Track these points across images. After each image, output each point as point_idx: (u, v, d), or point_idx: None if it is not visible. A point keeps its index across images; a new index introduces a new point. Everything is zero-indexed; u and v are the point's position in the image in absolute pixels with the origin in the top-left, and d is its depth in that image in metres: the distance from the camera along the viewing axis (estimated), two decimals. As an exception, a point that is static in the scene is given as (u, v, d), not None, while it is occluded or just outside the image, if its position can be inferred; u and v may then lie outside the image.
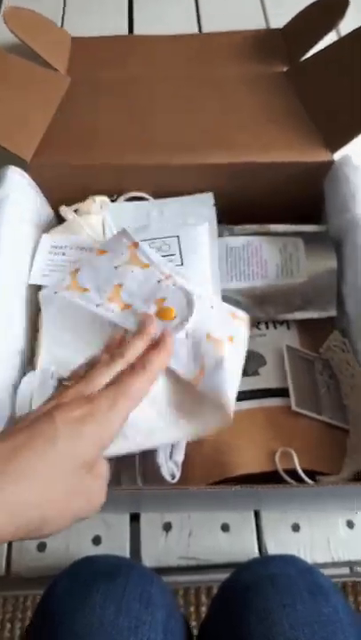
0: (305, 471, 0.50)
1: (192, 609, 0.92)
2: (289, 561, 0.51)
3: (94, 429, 0.37)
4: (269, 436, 0.53)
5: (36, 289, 0.59)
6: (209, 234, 0.62)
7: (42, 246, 0.61)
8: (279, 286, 0.60)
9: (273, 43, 0.82)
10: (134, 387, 0.41)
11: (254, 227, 0.63)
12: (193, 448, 0.52)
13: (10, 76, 0.69)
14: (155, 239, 0.60)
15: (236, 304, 0.57)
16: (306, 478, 0.50)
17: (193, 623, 0.90)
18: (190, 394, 0.49)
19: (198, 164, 0.63)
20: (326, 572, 0.53)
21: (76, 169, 0.64)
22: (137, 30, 0.94)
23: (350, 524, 0.57)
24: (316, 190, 0.65)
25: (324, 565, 0.56)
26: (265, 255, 0.61)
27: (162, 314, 0.50)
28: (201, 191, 0.65)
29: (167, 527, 0.57)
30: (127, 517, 0.58)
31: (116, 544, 0.57)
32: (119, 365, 0.43)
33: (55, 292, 0.53)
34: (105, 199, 0.65)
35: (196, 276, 0.57)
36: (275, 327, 0.62)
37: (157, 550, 0.56)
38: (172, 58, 0.79)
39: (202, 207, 0.65)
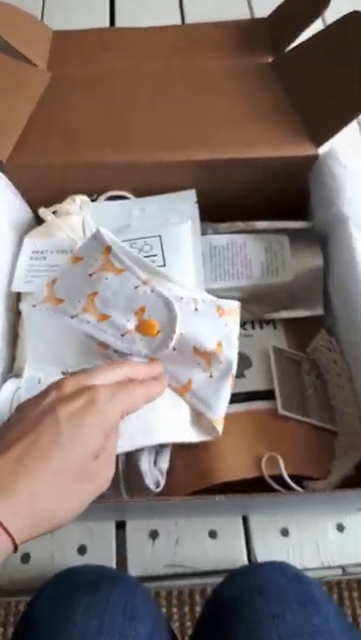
0: (293, 476, 0.49)
1: (186, 609, 0.91)
2: (278, 568, 0.50)
3: (96, 419, 0.36)
4: (255, 440, 0.52)
5: (16, 293, 0.58)
6: (192, 232, 0.60)
7: (23, 252, 0.60)
8: (265, 285, 0.58)
9: (258, 33, 0.80)
10: (134, 389, 0.40)
11: (239, 224, 0.62)
12: (178, 454, 0.51)
13: (-14, 72, 0.68)
14: (136, 239, 0.59)
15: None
16: (293, 485, 0.48)
17: (188, 624, 0.89)
18: (179, 398, 0.48)
19: (180, 160, 0.61)
20: (317, 573, 0.52)
21: (54, 168, 0.62)
22: (119, 22, 0.92)
23: (340, 528, 0.56)
24: (301, 185, 0.64)
25: (315, 569, 0.55)
26: (249, 254, 0.59)
27: (144, 329, 0.47)
28: (183, 188, 0.64)
29: (154, 535, 0.56)
30: (113, 525, 0.57)
31: (102, 553, 0.55)
32: (119, 370, 0.42)
33: (33, 306, 0.51)
34: (85, 198, 0.64)
35: (180, 276, 0.55)
36: (261, 327, 0.60)
37: (144, 559, 0.55)
38: (154, 51, 0.77)
39: (184, 205, 0.63)
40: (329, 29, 0.67)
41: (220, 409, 0.48)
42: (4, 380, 0.54)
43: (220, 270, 0.59)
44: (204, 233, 0.61)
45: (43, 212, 0.62)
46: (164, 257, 0.57)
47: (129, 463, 0.49)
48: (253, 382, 0.56)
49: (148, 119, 0.65)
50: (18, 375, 0.54)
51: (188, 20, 0.91)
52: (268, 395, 0.54)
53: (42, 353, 0.52)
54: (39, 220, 0.64)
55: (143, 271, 0.49)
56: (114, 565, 0.55)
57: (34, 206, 0.65)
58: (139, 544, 0.56)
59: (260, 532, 0.56)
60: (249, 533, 0.56)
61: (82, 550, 0.56)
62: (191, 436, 0.48)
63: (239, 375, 0.56)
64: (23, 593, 0.54)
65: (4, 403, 0.51)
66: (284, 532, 0.56)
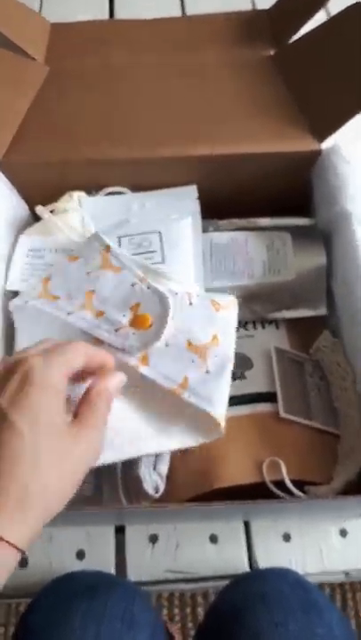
0: (295, 481, 0.48)
1: (188, 610, 0.91)
2: (282, 575, 0.49)
3: (38, 391, 0.33)
4: (257, 444, 0.51)
5: (12, 294, 0.57)
6: (192, 228, 0.59)
7: (19, 250, 0.59)
8: (266, 284, 0.57)
9: (259, 25, 0.78)
10: (67, 346, 0.37)
11: (240, 221, 0.60)
12: (178, 458, 0.50)
13: (-18, 66, 0.66)
14: (134, 235, 0.57)
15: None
16: (295, 490, 0.47)
17: (189, 625, 0.89)
18: (176, 403, 0.46)
19: (181, 156, 0.60)
20: (320, 578, 0.51)
21: (52, 165, 0.61)
22: (118, 14, 0.90)
23: (343, 533, 0.55)
24: (303, 181, 0.62)
25: (318, 574, 0.54)
26: (251, 252, 0.58)
27: (137, 322, 0.47)
28: (183, 185, 0.62)
29: (153, 539, 0.55)
30: (112, 529, 0.56)
31: (101, 558, 0.55)
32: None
33: (26, 302, 0.50)
34: (83, 195, 0.62)
35: (178, 273, 0.54)
36: (263, 327, 0.59)
37: (143, 564, 0.54)
38: (154, 44, 0.75)
39: (185, 200, 0.62)
40: (332, 21, 0.66)
41: (221, 404, 0.46)
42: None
43: (220, 269, 0.58)
44: (204, 230, 0.60)
45: (40, 209, 0.60)
46: (163, 253, 0.56)
47: (127, 467, 0.48)
48: (255, 384, 0.54)
49: (147, 114, 0.63)
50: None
51: (189, 12, 0.89)
52: (269, 397, 0.53)
53: None
54: (36, 218, 0.63)
55: (140, 270, 0.49)
56: (113, 571, 0.54)
57: (31, 203, 0.64)
58: (138, 549, 0.55)
59: (262, 536, 0.55)
60: (250, 538, 0.55)
61: (80, 555, 0.55)
62: (189, 441, 0.46)
63: (240, 376, 0.55)
64: (22, 595, 0.53)
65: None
66: (286, 537, 0.55)
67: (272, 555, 0.54)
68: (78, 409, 0.37)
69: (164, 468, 0.49)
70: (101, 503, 0.48)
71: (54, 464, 0.33)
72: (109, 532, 0.56)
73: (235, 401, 0.53)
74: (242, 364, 0.55)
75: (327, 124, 0.59)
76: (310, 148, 0.59)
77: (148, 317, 0.47)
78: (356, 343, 0.52)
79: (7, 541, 0.30)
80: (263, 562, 0.54)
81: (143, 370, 0.45)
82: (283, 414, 0.51)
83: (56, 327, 0.49)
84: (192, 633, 0.75)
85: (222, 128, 0.61)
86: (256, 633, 0.43)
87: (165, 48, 0.75)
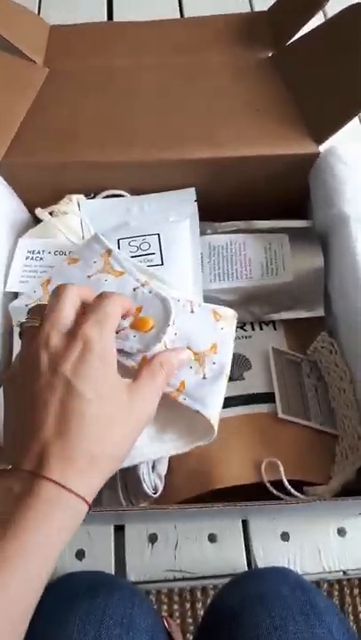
0: (293, 481, 0.48)
1: (187, 606, 0.91)
2: (280, 575, 0.49)
3: (99, 358, 0.36)
4: (255, 445, 0.51)
5: (11, 296, 0.57)
6: (191, 231, 0.59)
7: (18, 252, 0.59)
8: (264, 286, 0.57)
9: (258, 26, 0.78)
10: (106, 304, 0.39)
11: (238, 223, 0.61)
12: (176, 459, 0.50)
13: (-20, 69, 0.66)
14: (134, 237, 0.58)
15: (220, 304, 0.54)
16: (293, 491, 0.48)
17: (189, 621, 0.89)
18: (171, 408, 0.46)
19: (179, 159, 0.60)
20: (318, 576, 0.51)
21: (51, 167, 0.61)
22: (117, 16, 0.90)
23: (341, 532, 0.55)
24: (301, 183, 0.63)
25: (316, 573, 0.54)
26: (249, 254, 0.58)
27: (138, 325, 0.47)
28: (182, 188, 0.62)
29: (153, 539, 0.56)
30: (111, 529, 0.56)
31: (101, 558, 0.55)
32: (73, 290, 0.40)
33: (26, 305, 0.50)
34: (82, 197, 0.63)
35: (177, 275, 0.54)
36: (261, 328, 0.60)
37: (143, 564, 0.55)
38: (153, 46, 0.75)
39: (184, 203, 0.62)
40: (330, 22, 0.66)
41: (215, 406, 0.46)
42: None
43: (218, 270, 0.58)
44: (202, 233, 0.60)
45: (39, 212, 0.61)
46: (162, 256, 0.56)
47: (126, 469, 0.48)
48: (253, 385, 0.55)
49: (146, 116, 0.63)
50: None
51: (187, 14, 0.89)
52: (267, 397, 0.54)
53: None
54: (36, 220, 0.63)
55: (142, 274, 0.49)
56: (112, 570, 0.54)
57: (30, 206, 0.64)
58: (138, 548, 0.55)
59: (260, 535, 0.56)
60: (249, 537, 0.56)
61: (80, 555, 0.55)
62: (183, 446, 0.47)
63: (238, 377, 0.55)
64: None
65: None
66: (285, 537, 0.55)
67: (270, 554, 0.55)
68: (138, 372, 0.39)
69: (162, 468, 0.49)
70: (101, 503, 0.48)
71: (118, 426, 0.36)
72: (109, 532, 0.56)
73: (233, 402, 0.53)
74: (240, 365, 0.56)
75: (326, 126, 0.59)
76: (308, 151, 0.59)
77: (149, 320, 0.47)
78: (354, 345, 0.52)
79: (77, 494, 0.33)
80: (261, 561, 0.54)
81: None
82: (281, 415, 0.52)
83: None
84: (191, 629, 0.75)
85: (221, 130, 0.61)
86: (255, 635, 0.43)
87: (165, 50, 0.76)
